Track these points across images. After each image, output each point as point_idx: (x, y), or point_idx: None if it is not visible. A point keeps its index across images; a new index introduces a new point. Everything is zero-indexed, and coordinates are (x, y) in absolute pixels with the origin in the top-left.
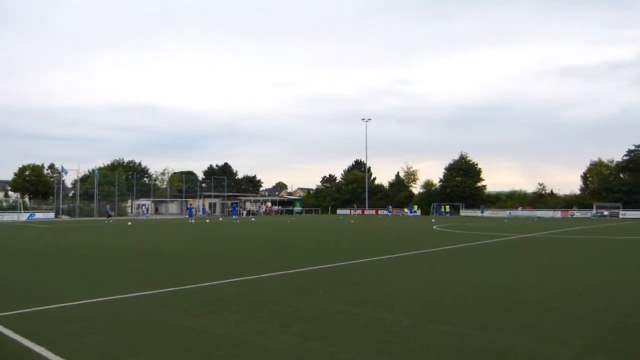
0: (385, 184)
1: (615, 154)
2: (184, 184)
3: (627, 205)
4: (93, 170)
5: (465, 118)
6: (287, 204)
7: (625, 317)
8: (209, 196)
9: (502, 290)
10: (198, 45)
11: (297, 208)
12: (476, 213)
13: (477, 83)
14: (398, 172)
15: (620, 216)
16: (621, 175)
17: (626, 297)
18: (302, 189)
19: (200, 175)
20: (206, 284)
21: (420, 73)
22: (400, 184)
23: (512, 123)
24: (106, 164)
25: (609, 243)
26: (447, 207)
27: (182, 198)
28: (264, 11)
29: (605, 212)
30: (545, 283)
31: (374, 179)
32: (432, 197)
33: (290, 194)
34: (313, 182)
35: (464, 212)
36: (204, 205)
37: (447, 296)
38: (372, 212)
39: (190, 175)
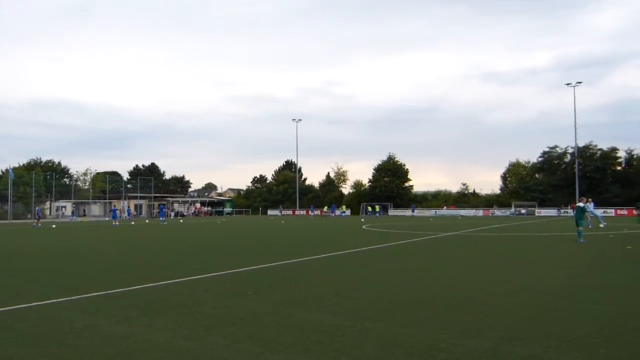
0: (316, 185)
1: (532, 156)
2: (107, 185)
3: (542, 204)
4: (7, 170)
5: (394, 119)
6: (217, 204)
7: (540, 309)
8: (135, 197)
9: (428, 287)
10: (127, 40)
11: (227, 209)
12: (405, 212)
13: (406, 85)
14: (329, 173)
15: (536, 214)
16: (537, 176)
17: (540, 290)
18: (232, 190)
19: (126, 176)
20: (131, 288)
21: (351, 74)
22: (330, 184)
23: (438, 125)
24: (22, 164)
25: (526, 239)
26: (377, 206)
27: (105, 199)
28: (197, 9)
29: (523, 211)
30: (468, 279)
31: (305, 179)
32: (361, 197)
33: (220, 194)
34: (244, 182)
35: (392, 212)
36: (129, 207)
37: (377, 294)
38: (303, 212)
39: (114, 175)
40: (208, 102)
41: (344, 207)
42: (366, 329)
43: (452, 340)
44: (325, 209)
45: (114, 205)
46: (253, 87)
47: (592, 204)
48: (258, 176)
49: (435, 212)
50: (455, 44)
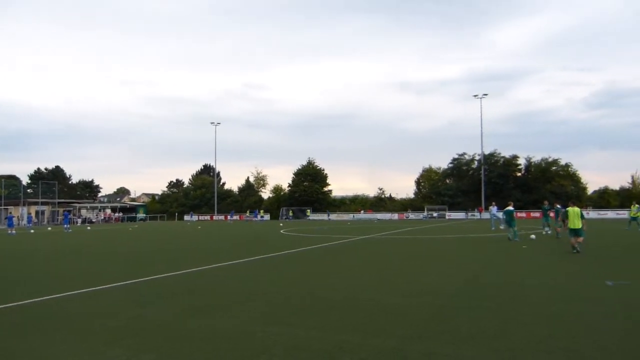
0: (235, 189)
1: (443, 162)
2: (2, 190)
3: (452, 207)
4: None
5: (315, 125)
6: (129, 210)
7: (440, 307)
8: (36, 203)
9: (339, 290)
10: (32, 38)
11: (141, 215)
12: (323, 217)
13: (327, 91)
14: (248, 177)
15: (447, 217)
16: (447, 181)
17: (443, 289)
18: (147, 195)
19: (26, 180)
20: (28, 301)
21: (272, 78)
22: (250, 189)
23: (358, 131)
24: None
25: (435, 242)
26: (291, 211)
27: (0, 205)
28: (108, 6)
29: (435, 214)
30: (378, 281)
31: (224, 183)
32: (281, 202)
33: (133, 199)
34: (159, 187)
35: (312, 216)
36: (29, 214)
37: (288, 298)
38: (222, 217)
39: (11, 179)
40: (120, 104)
41: (262, 212)
42: (275, 333)
43: (357, 341)
44: (248, 213)
45: (11, 212)
46: (169, 88)
47: (495, 207)
48: (175, 180)
49: (353, 216)
50: (374, 53)
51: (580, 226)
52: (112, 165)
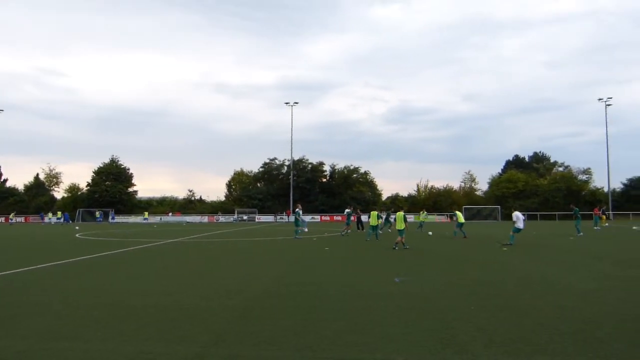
0: (21, 187)
1: (254, 166)
2: None
3: (262, 211)
4: None
5: (121, 120)
6: None
7: (248, 309)
8: None
9: (140, 296)
10: None
11: None
12: (128, 219)
13: (136, 86)
14: (38, 174)
15: (257, 220)
16: (258, 184)
17: (250, 291)
18: None
19: None
20: None
21: (72, 65)
22: (39, 187)
23: (169, 130)
24: None
25: (244, 244)
26: (98, 213)
27: None
28: None
29: (245, 217)
30: (183, 285)
31: (5, 180)
32: (78, 202)
33: None
34: None
35: (118, 219)
36: None
37: (80, 309)
38: (1, 219)
39: None
40: None
41: (58, 213)
42: (64, 349)
43: (158, 349)
44: (57, 215)
45: None
46: None
47: (300, 210)
48: None
49: (161, 218)
50: (190, 51)
51: (403, 227)
52: None
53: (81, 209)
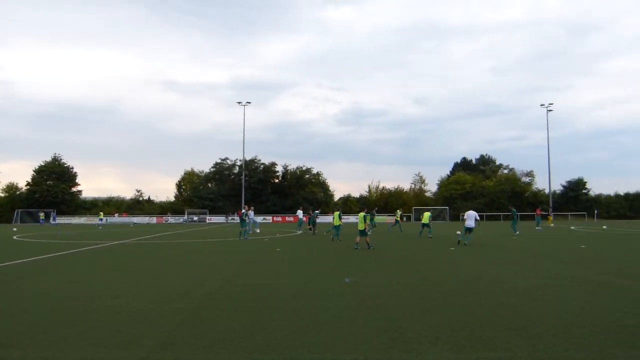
0: None
1: (206, 166)
2: None
3: (213, 211)
4: None
5: (64, 117)
6: None
7: (195, 312)
8: None
9: (85, 301)
10: None
11: None
12: (70, 220)
13: (80, 81)
14: None
15: (207, 221)
16: (209, 185)
17: (198, 293)
18: None
19: None
20: None
21: (9, 59)
22: None
23: (115, 128)
24: None
25: (196, 245)
26: (42, 214)
27: None
28: None
29: (195, 218)
30: (130, 287)
31: None
32: (17, 203)
33: None
34: None
35: (61, 220)
36: None
37: (17, 315)
38: None
39: None
40: None
41: None
42: None
43: (101, 355)
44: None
45: None
46: None
47: (252, 211)
48: None
49: (107, 219)
50: (137, 48)
51: (363, 228)
52: None
53: (20, 210)
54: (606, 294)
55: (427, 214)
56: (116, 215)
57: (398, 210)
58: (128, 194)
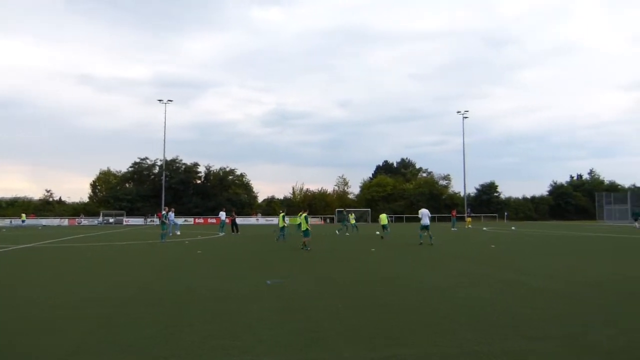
0: None
1: (123, 165)
2: None
3: (131, 213)
4: None
5: None
6: None
7: (106, 318)
8: None
9: None
10: None
11: None
12: None
13: None
14: None
15: (124, 222)
16: (127, 185)
17: (110, 299)
18: None
19: None
20: None
21: None
22: None
23: (21, 123)
24: None
25: (111, 248)
26: None
27: None
28: None
29: (111, 219)
30: (37, 293)
31: None
32: None
33: None
34: None
35: None
36: None
37: None
38: None
39: None
40: None
41: None
42: None
43: None
44: None
45: None
46: None
47: (172, 213)
48: None
49: (11, 221)
50: (50, 39)
51: (306, 228)
52: None
53: None
54: (510, 290)
55: (383, 216)
56: (23, 216)
57: (351, 215)
58: (36, 194)
